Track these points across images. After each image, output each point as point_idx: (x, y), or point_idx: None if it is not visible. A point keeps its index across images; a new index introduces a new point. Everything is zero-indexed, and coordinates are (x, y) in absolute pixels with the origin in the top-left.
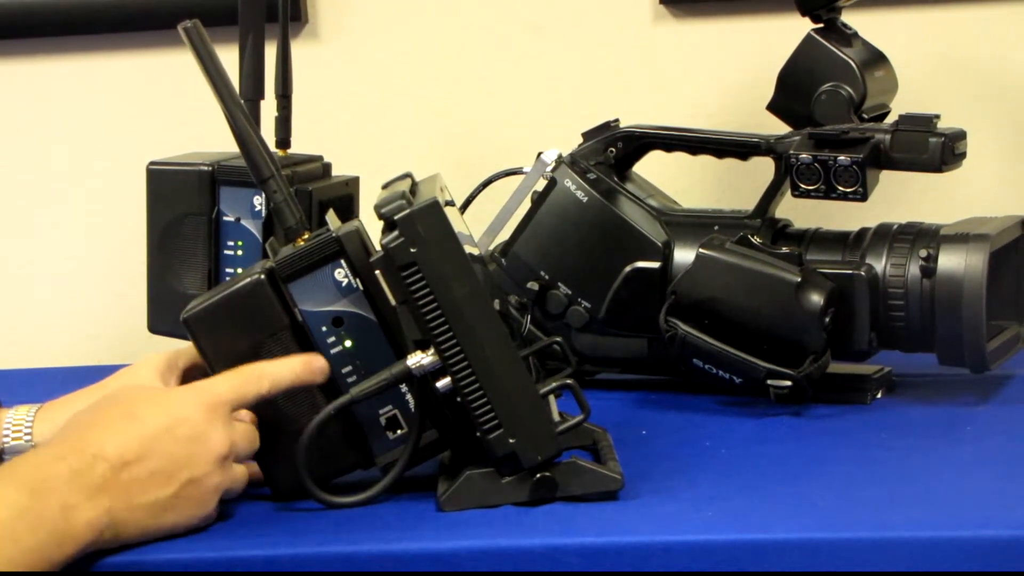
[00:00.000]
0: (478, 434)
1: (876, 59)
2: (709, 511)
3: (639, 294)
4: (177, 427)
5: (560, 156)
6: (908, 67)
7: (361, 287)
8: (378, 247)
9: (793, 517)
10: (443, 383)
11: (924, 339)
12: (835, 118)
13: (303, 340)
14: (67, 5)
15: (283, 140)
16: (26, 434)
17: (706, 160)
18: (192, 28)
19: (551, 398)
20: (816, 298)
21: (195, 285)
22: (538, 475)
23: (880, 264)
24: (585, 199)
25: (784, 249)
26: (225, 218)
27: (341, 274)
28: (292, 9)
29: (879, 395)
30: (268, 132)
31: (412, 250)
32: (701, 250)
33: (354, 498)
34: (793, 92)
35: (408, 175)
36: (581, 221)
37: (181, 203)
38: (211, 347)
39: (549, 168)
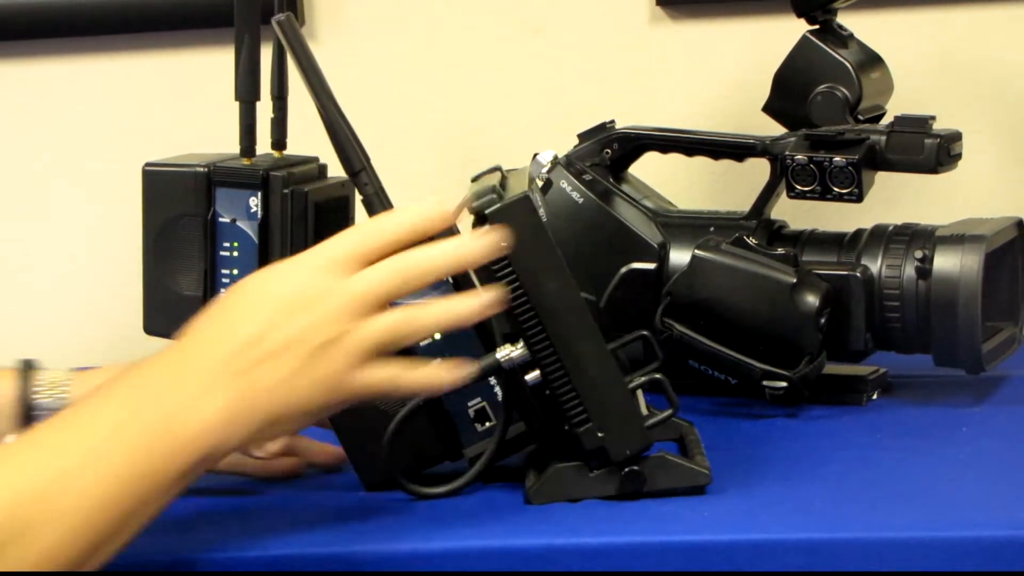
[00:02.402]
0: (567, 427)
1: (872, 60)
2: (705, 511)
3: (635, 295)
4: (288, 298)
5: (556, 157)
6: (904, 69)
7: (451, 280)
8: None
9: (788, 517)
10: (532, 376)
11: (920, 340)
12: (831, 119)
13: None
14: (62, 6)
15: (279, 141)
16: (61, 393)
17: (702, 161)
18: (285, 21)
19: (639, 392)
20: (811, 299)
21: (191, 286)
22: (626, 469)
23: (876, 265)
24: (581, 200)
25: (780, 250)
26: (221, 219)
27: None
28: (288, 10)
29: (875, 396)
30: (264, 134)
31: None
32: (697, 251)
33: (441, 489)
34: (789, 93)
35: (498, 168)
36: (577, 222)
37: (177, 204)
38: None
39: (545, 169)
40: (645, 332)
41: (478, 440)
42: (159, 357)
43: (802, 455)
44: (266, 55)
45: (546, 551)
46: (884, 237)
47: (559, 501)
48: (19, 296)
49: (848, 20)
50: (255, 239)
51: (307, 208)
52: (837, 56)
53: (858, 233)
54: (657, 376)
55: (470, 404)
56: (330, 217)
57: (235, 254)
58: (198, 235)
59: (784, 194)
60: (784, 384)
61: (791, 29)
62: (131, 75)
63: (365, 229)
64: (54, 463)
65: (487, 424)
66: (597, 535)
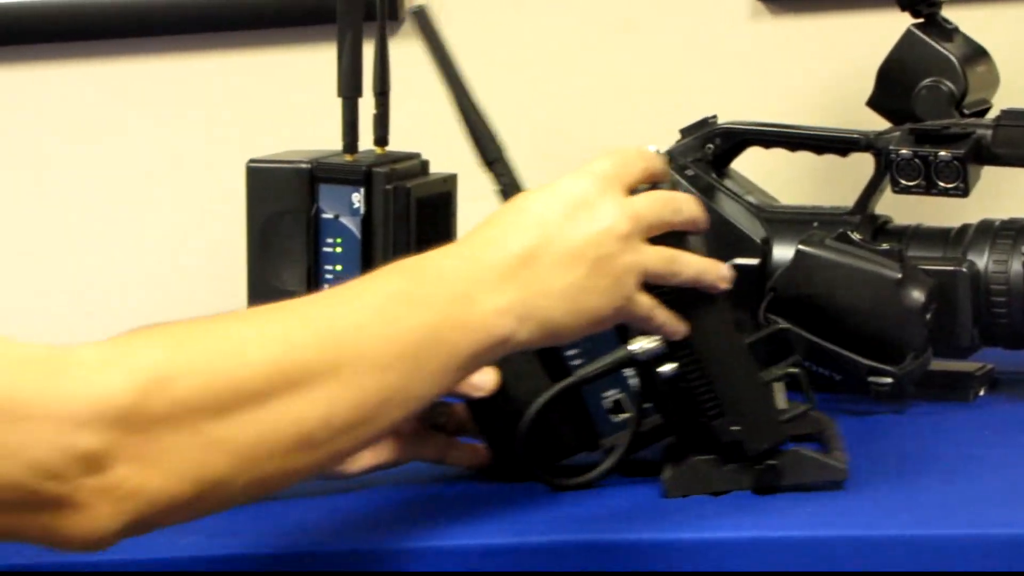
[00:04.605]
0: (702, 420)
1: (977, 54)
2: (809, 508)
3: (738, 291)
4: (571, 208)
5: (658, 152)
6: (1010, 62)
7: None
8: None
9: (893, 515)
10: (667, 369)
11: None
12: (935, 114)
13: None
14: (169, 5)
15: (381, 138)
16: None
17: (805, 156)
18: (422, 12)
19: (780, 385)
20: (917, 295)
21: (294, 282)
22: (762, 463)
23: (982, 260)
24: None
25: (884, 246)
26: (324, 215)
27: None
28: (389, 8)
29: (982, 392)
30: (366, 130)
31: None
32: (800, 246)
33: (577, 480)
34: (893, 88)
35: None
36: None
37: (280, 200)
38: None
39: None
40: (785, 325)
41: (614, 431)
42: (439, 253)
43: (907, 452)
44: (368, 51)
45: (684, 544)
46: (991, 232)
47: (696, 494)
48: (125, 292)
49: (953, 14)
50: (358, 235)
51: (409, 204)
52: (942, 50)
53: (964, 228)
54: (794, 370)
55: (605, 395)
56: (432, 213)
57: (338, 250)
58: (301, 231)
59: (888, 189)
60: (890, 380)
61: (894, 23)
62: (235, 73)
63: (625, 157)
64: (348, 317)
65: (622, 415)
66: (735, 529)
